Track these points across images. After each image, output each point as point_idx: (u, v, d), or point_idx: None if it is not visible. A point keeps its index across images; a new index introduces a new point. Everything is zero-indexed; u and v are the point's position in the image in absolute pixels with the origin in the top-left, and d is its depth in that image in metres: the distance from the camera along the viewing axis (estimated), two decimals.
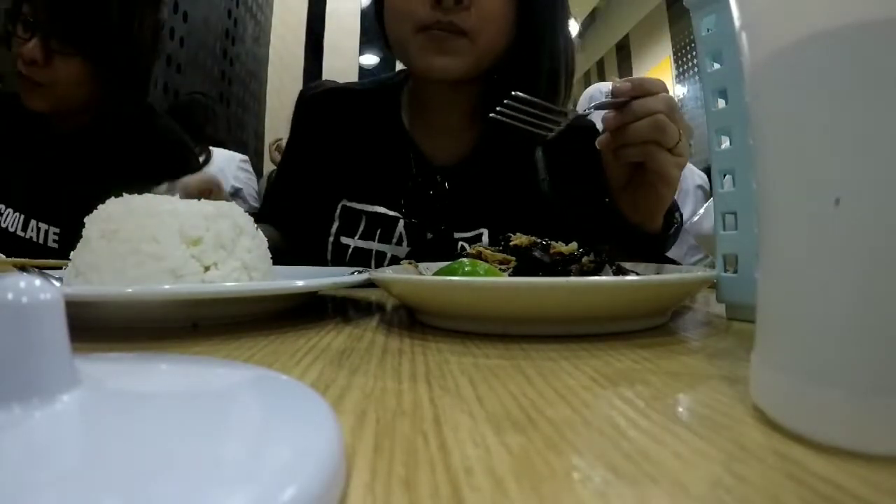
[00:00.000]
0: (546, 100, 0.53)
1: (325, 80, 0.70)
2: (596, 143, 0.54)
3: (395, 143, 0.72)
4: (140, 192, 0.41)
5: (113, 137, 0.86)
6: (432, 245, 0.68)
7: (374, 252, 0.69)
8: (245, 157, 2.22)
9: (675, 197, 0.60)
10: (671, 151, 0.51)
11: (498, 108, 0.51)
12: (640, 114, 0.50)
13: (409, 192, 0.70)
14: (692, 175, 1.59)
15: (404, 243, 0.69)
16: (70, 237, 0.40)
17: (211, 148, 2.05)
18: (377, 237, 0.69)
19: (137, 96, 0.90)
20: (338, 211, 0.71)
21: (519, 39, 0.64)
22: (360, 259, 0.69)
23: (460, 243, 0.68)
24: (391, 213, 0.70)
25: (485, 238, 0.68)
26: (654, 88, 0.51)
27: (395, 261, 0.68)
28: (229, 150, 2.18)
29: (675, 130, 0.51)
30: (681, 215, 0.64)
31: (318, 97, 0.78)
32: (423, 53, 0.62)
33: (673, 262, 0.59)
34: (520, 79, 0.63)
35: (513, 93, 0.51)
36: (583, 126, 0.71)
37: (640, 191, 0.56)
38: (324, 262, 0.71)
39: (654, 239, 0.60)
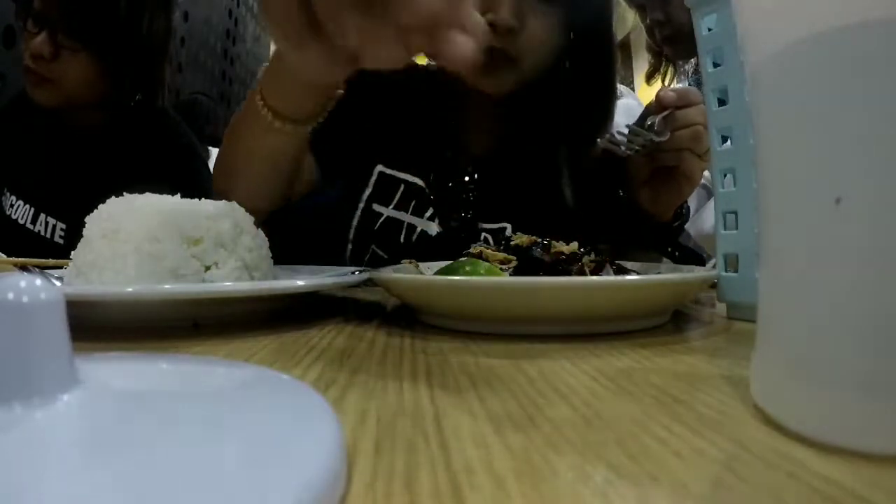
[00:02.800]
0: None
1: None
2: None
3: (436, 125, 0.73)
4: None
5: (125, 137, 0.86)
6: (458, 231, 0.69)
7: (405, 224, 0.69)
8: None
9: None
10: (700, 157, 0.57)
11: (608, 138, 0.57)
12: (683, 123, 0.56)
13: (440, 176, 0.70)
14: None
15: (435, 221, 0.69)
16: (76, 234, 0.40)
17: (210, 148, 2.05)
18: (411, 209, 0.69)
19: (147, 97, 0.90)
20: (374, 177, 0.70)
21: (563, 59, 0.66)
22: (390, 230, 0.69)
23: (483, 234, 0.70)
24: (427, 190, 0.70)
25: (508, 232, 0.69)
26: (695, 100, 0.56)
27: (423, 236, 0.68)
28: None
29: (707, 140, 0.54)
30: (688, 208, 0.67)
31: None
32: (475, 74, 0.63)
33: (696, 254, 0.61)
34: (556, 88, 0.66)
35: (627, 125, 0.57)
36: None
37: (663, 187, 0.61)
38: (346, 231, 0.70)
39: (664, 228, 0.65)
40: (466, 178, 0.71)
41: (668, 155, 0.58)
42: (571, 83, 0.67)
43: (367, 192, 0.70)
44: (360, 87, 0.75)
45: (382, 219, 0.69)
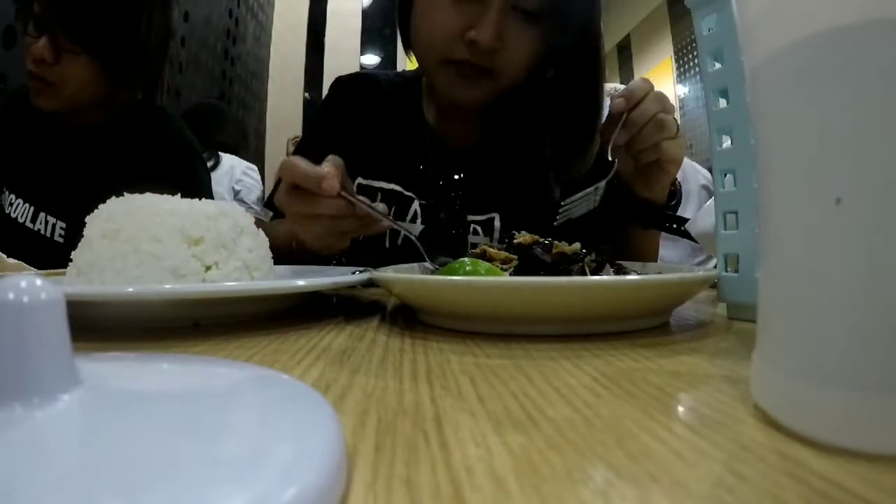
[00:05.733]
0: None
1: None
2: (608, 157, 0.59)
3: (413, 129, 0.75)
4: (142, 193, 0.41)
5: (124, 136, 0.87)
6: (445, 224, 0.70)
7: (388, 230, 0.70)
8: (252, 166, 2.25)
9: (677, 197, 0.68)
10: (674, 137, 0.57)
11: (564, 213, 0.61)
12: (641, 123, 0.55)
13: (424, 175, 0.72)
14: (696, 175, 1.56)
15: (418, 220, 0.71)
16: (76, 233, 0.40)
17: (221, 154, 2.07)
18: (392, 214, 0.70)
19: (146, 97, 0.90)
20: (354, 189, 0.71)
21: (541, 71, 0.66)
22: (374, 238, 0.70)
23: (472, 226, 0.71)
24: (407, 192, 0.71)
25: (497, 222, 0.71)
26: (642, 93, 0.56)
27: (409, 239, 0.69)
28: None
29: (672, 121, 0.57)
30: (679, 184, 0.69)
31: (350, 81, 0.81)
32: (450, 85, 0.65)
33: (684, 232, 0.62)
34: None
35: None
36: None
37: (651, 174, 0.62)
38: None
39: (664, 207, 0.67)
40: (453, 175, 0.72)
41: (646, 153, 0.58)
42: (554, 94, 0.67)
43: None
44: (338, 110, 0.78)
45: None
